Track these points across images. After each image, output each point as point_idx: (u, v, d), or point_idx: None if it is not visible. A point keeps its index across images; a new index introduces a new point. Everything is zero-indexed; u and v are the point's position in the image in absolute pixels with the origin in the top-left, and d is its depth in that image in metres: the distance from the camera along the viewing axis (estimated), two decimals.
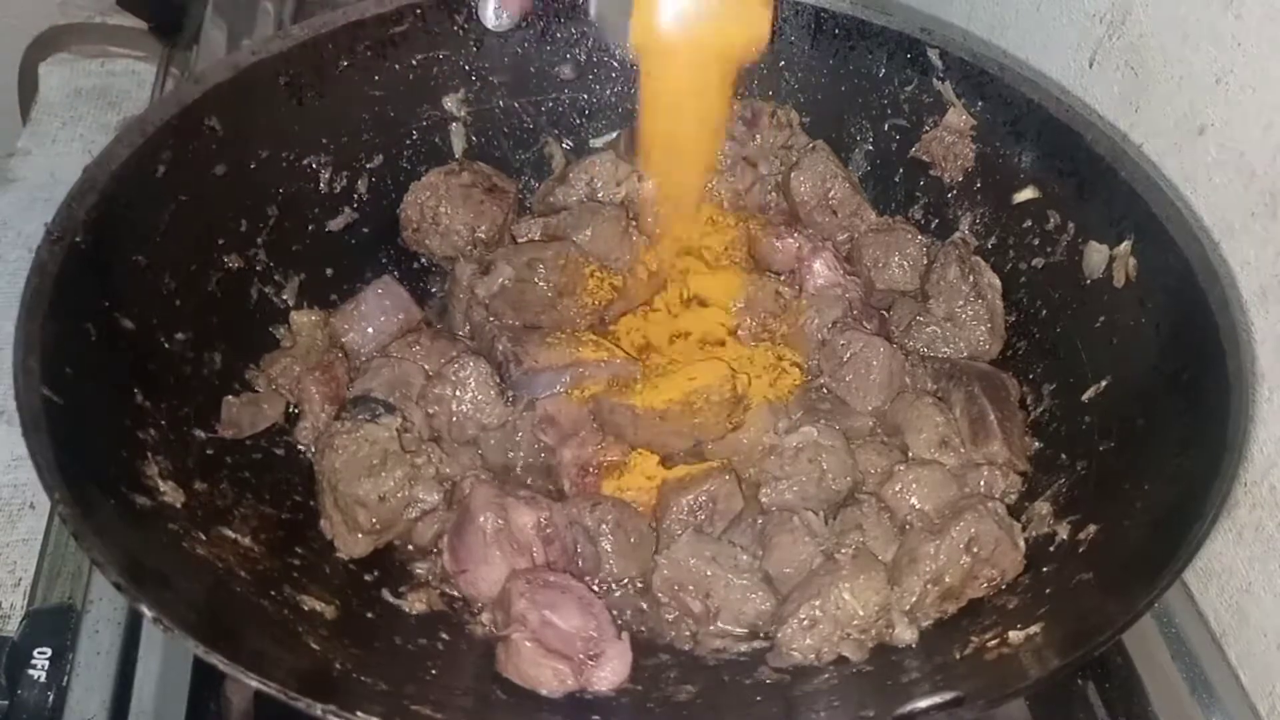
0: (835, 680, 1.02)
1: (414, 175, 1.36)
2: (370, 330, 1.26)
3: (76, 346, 0.98)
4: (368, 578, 1.10)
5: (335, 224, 1.33)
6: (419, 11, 1.32)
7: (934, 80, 1.35)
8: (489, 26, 1.37)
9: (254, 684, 0.80)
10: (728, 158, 1.42)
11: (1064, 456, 1.17)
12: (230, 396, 1.15)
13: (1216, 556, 1.20)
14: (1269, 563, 1.13)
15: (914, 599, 1.05)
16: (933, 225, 1.42)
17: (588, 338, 1.26)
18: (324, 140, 1.29)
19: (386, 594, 1.08)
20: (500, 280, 1.25)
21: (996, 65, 1.30)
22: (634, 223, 1.34)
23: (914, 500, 1.13)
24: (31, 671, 1.05)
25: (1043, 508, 1.13)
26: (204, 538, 0.98)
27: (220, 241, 1.19)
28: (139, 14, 1.97)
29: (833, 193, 1.39)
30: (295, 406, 1.20)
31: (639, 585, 1.11)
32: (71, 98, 1.90)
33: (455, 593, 1.10)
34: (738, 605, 1.07)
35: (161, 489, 0.98)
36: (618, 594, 1.11)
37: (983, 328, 1.29)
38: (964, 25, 1.69)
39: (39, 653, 1.06)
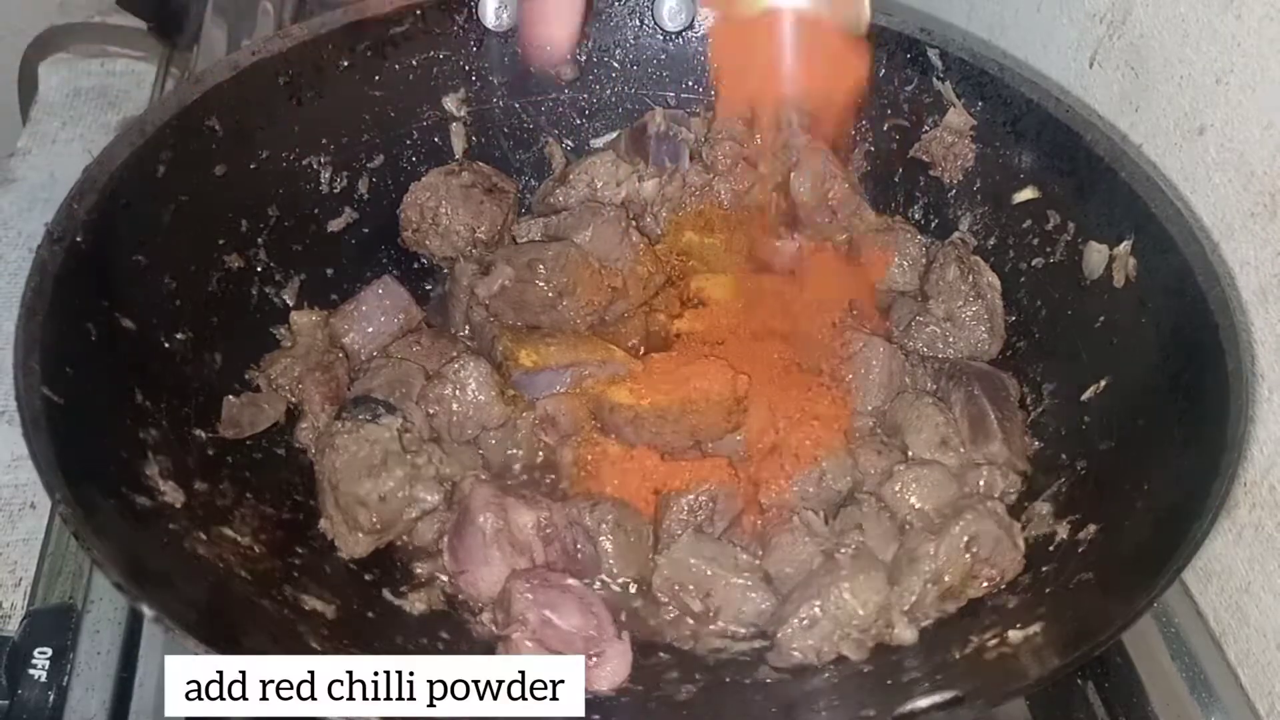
0: (835, 680, 1.02)
1: (414, 175, 1.36)
2: (370, 330, 1.26)
3: (77, 346, 0.98)
4: (368, 577, 1.10)
5: (335, 224, 1.33)
6: (419, 11, 1.32)
7: (934, 80, 1.35)
8: (489, 27, 1.37)
9: None
10: (728, 158, 1.42)
11: (1064, 456, 1.17)
12: (230, 396, 1.15)
13: (1216, 556, 1.20)
14: (1268, 563, 1.13)
15: (914, 598, 1.05)
16: (933, 225, 1.42)
17: (587, 338, 1.26)
18: (324, 140, 1.29)
19: (387, 594, 1.08)
20: (500, 280, 1.25)
21: (996, 65, 1.30)
22: (634, 223, 1.34)
23: (914, 500, 1.13)
24: (31, 671, 1.05)
25: (1043, 508, 1.13)
26: (204, 538, 0.98)
27: (220, 241, 1.19)
28: (139, 14, 1.97)
29: (833, 193, 1.39)
30: (296, 406, 1.20)
31: (639, 585, 1.11)
32: (71, 98, 1.89)
33: (456, 593, 1.10)
34: (738, 605, 1.07)
35: (162, 489, 0.98)
36: (618, 594, 1.11)
37: (982, 328, 1.29)
38: (964, 25, 1.69)
39: (39, 653, 1.06)
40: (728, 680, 1.04)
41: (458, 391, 1.17)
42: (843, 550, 1.07)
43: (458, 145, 1.42)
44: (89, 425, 0.95)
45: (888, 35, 1.35)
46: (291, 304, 1.27)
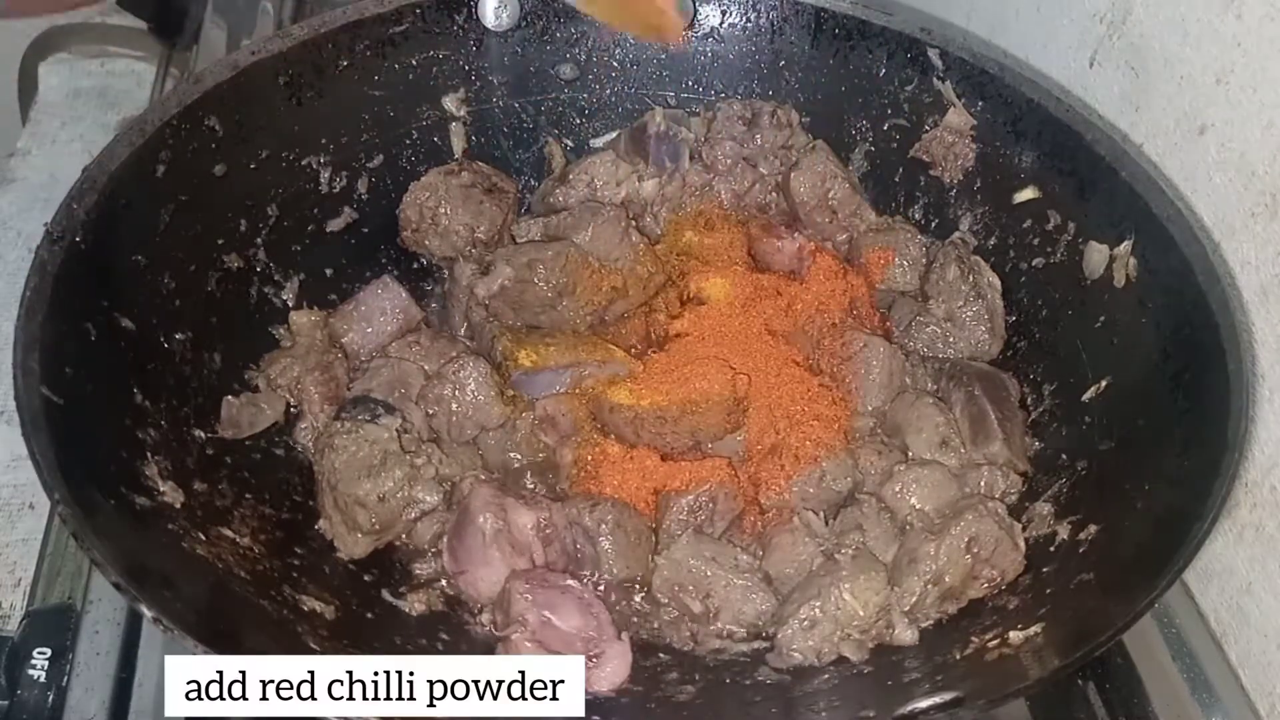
0: (835, 680, 1.02)
1: (414, 175, 1.36)
2: (370, 330, 1.26)
3: (76, 346, 0.98)
4: (367, 578, 1.09)
5: (335, 224, 1.33)
6: (419, 11, 1.32)
7: (934, 80, 1.35)
8: (489, 26, 1.37)
9: None
10: (728, 158, 1.42)
11: (1064, 456, 1.17)
12: (230, 396, 1.15)
13: (1217, 557, 1.19)
14: (1269, 563, 1.13)
15: (914, 599, 1.05)
16: (933, 225, 1.41)
17: (587, 338, 1.26)
18: (324, 140, 1.29)
19: (386, 594, 1.08)
20: (500, 280, 1.25)
21: (996, 65, 1.30)
22: (634, 223, 1.34)
23: (914, 500, 1.13)
24: (31, 671, 1.05)
25: (1043, 508, 1.13)
26: (204, 538, 0.98)
27: (220, 241, 1.19)
28: (139, 14, 1.97)
29: (833, 193, 1.39)
30: (295, 407, 1.19)
31: (639, 585, 1.11)
32: (71, 98, 1.89)
33: (455, 593, 1.10)
34: (738, 605, 1.07)
35: (161, 489, 0.98)
36: (618, 594, 1.11)
37: (983, 328, 1.29)
38: (964, 25, 1.69)
39: (39, 653, 1.06)
40: (727, 681, 1.04)
41: (457, 392, 1.17)
42: (843, 551, 1.07)
43: (457, 145, 1.42)
44: (88, 425, 0.95)
45: (888, 35, 1.35)
46: (291, 304, 1.27)
